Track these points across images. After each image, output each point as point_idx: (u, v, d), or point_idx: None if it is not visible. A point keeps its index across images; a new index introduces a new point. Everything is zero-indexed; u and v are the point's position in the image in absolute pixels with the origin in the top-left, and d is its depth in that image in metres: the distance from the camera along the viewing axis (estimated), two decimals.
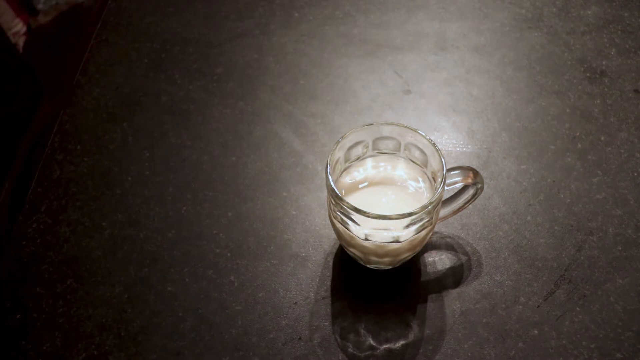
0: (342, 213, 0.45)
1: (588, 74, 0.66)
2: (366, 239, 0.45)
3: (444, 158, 0.45)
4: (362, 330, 0.48)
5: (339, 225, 0.46)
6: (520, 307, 0.49)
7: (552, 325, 0.48)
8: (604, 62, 0.67)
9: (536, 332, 0.48)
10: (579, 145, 0.60)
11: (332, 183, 0.44)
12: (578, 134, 0.60)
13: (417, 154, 0.48)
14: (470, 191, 0.48)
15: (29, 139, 0.87)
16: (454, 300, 0.49)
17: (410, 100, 0.64)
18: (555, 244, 0.53)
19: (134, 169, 0.59)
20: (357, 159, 0.50)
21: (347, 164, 0.49)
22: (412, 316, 0.49)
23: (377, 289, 0.51)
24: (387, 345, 0.47)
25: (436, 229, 0.53)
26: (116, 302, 0.50)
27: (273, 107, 0.64)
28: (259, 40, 0.71)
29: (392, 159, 0.50)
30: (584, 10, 0.73)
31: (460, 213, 0.52)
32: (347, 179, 0.49)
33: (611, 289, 0.50)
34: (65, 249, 0.54)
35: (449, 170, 0.46)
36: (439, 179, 0.45)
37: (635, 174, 0.57)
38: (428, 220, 0.45)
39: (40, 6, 1.35)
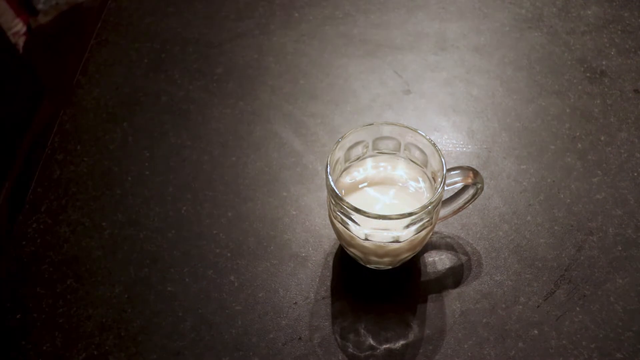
0: (342, 213, 0.45)
1: (588, 74, 0.66)
2: (366, 239, 0.45)
3: (444, 158, 0.45)
4: (362, 330, 0.48)
5: (339, 225, 0.46)
6: (520, 307, 0.49)
7: (552, 325, 0.48)
8: (604, 62, 0.67)
9: (536, 332, 0.48)
10: (579, 145, 0.60)
11: (332, 183, 0.44)
12: (578, 134, 0.60)
13: (417, 154, 0.48)
14: (470, 191, 0.48)
15: (29, 139, 0.87)
16: (454, 300, 0.49)
17: (410, 100, 0.64)
18: (555, 244, 0.53)
19: (134, 169, 0.59)
20: (357, 159, 0.50)
21: (347, 164, 0.49)
22: (412, 316, 0.49)
23: (377, 289, 0.51)
24: (387, 345, 0.47)
25: (436, 229, 0.53)
26: (116, 302, 0.50)
27: (273, 107, 0.64)
28: (259, 40, 0.71)
29: (392, 159, 0.50)
30: (584, 10, 0.73)
31: (460, 213, 0.52)
32: (347, 179, 0.49)
33: (611, 289, 0.50)
34: (65, 249, 0.54)
35: (449, 170, 0.46)
36: (439, 179, 0.45)
37: (635, 174, 0.57)
38: (428, 220, 0.45)
39: (40, 6, 1.35)
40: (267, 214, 0.55)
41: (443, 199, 0.48)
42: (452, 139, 0.61)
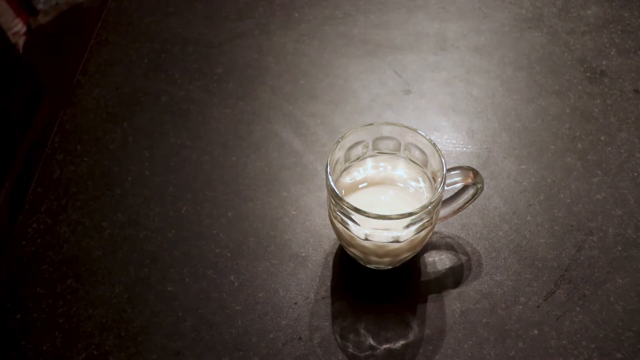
0: (342, 213, 0.45)
1: (588, 74, 0.66)
2: (366, 239, 0.45)
3: (444, 158, 0.45)
4: (362, 330, 0.48)
5: (339, 225, 0.46)
6: (520, 307, 0.49)
7: (552, 325, 0.48)
8: (604, 62, 0.67)
9: (536, 332, 0.48)
10: (579, 145, 0.60)
11: (332, 183, 0.44)
12: (578, 134, 0.60)
13: (417, 154, 0.48)
14: (470, 191, 0.48)
15: (29, 139, 0.87)
16: (454, 300, 0.49)
17: (410, 100, 0.64)
18: (555, 244, 0.53)
19: (134, 169, 0.59)
20: (357, 159, 0.50)
21: (347, 164, 0.49)
22: (412, 316, 0.49)
23: (377, 289, 0.51)
24: (387, 345, 0.47)
25: (436, 229, 0.53)
26: (116, 302, 0.50)
27: (273, 107, 0.64)
28: (259, 40, 0.71)
29: (392, 159, 0.50)
30: (584, 10, 0.73)
31: (460, 213, 0.52)
32: (347, 179, 0.49)
33: (611, 289, 0.50)
34: (65, 249, 0.54)
35: (449, 170, 0.46)
36: (439, 179, 0.45)
37: (635, 174, 0.57)
38: (428, 220, 0.45)
39: (40, 6, 1.35)
40: (267, 214, 0.55)
41: (443, 199, 0.48)
42: (452, 139, 0.61)
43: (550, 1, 0.74)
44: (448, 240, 0.53)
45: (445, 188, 0.45)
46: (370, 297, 0.50)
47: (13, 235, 0.55)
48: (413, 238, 0.45)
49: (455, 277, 0.51)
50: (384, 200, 0.48)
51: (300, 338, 0.48)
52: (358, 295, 0.50)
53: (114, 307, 0.50)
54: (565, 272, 0.51)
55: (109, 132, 0.63)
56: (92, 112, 0.65)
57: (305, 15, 0.73)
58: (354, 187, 0.49)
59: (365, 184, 0.49)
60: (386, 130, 0.48)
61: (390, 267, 0.50)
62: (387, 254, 0.47)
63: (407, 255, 0.48)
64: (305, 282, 0.51)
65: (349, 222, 0.45)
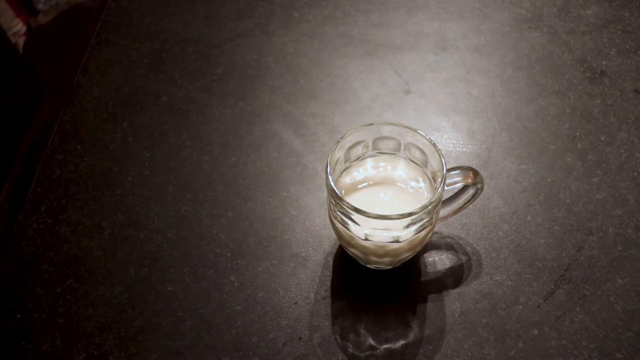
0: (342, 213, 0.45)
1: (588, 74, 0.66)
2: (366, 239, 0.45)
3: (444, 158, 0.45)
4: (362, 330, 0.48)
5: (339, 225, 0.46)
6: (520, 307, 0.49)
7: (552, 325, 0.48)
8: (604, 62, 0.67)
9: (536, 332, 0.48)
10: (579, 145, 0.60)
11: (332, 183, 0.44)
12: (578, 134, 0.60)
13: (417, 154, 0.48)
14: (470, 191, 0.48)
15: (29, 139, 0.87)
16: (454, 300, 0.49)
17: (410, 100, 0.64)
18: (555, 244, 0.53)
19: (134, 169, 0.59)
20: (357, 159, 0.50)
21: (347, 164, 0.49)
22: (412, 316, 0.49)
23: (377, 289, 0.51)
24: (387, 345, 0.47)
25: (436, 229, 0.53)
26: (116, 302, 0.50)
27: (273, 107, 0.64)
28: (259, 40, 0.71)
29: (392, 159, 0.50)
30: (584, 10, 0.73)
31: (460, 213, 0.52)
32: (347, 179, 0.49)
33: (611, 289, 0.50)
34: (65, 249, 0.54)
35: (449, 170, 0.46)
36: (439, 179, 0.45)
37: (635, 174, 0.57)
38: (428, 220, 0.45)
39: (40, 6, 1.35)
40: (267, 214, 0.55)
41: (443, 199, 0.48)
42: (452, 139, 0.61)
43: (550, 1, 0.74)
44: (448, 240, 0.53)
45: (445, 188, 0.45)
46: (370, 297, 0.50)
47: (13, 235, 0.55)
48: (413, 238, 0.45)
49: (455, 277, 0.51)
50: (384, 200, 0.48)
51: (300, 338, 0.48)
52: (358, 295, 0.50)
53: (114, 307, 0.50)
54: (565, 272, 0.51)
55: (109, 132, 0.63)
56: (92, 112, 0.65)
57: (305, 15, 0.73)
58: (354, 187, 0.49)
59: (365, 184, 0.49)
60: (386, 130, 0.48)
61: (390, 267, 0.50)
62: (387, 254, 0.47)
63: (407, 255, 0.48)
64: (305, 282, 0.51)
65: (349, 222, 0.45)
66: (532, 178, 0.57)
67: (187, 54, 0.70)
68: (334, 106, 0.64)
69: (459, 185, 0.47)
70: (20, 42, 1.21)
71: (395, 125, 0.48)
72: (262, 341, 0.48)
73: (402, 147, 0.49)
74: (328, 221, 0.54)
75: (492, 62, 0.68)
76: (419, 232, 0.45)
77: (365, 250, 0.47)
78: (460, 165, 0.50)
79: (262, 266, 0.52)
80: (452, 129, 0.61)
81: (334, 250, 0.53)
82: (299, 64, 0.68)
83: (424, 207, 0.43)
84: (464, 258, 0.52)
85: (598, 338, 0.47)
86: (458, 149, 0.60)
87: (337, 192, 0.44)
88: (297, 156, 0.60)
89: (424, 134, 0.47)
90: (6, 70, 0.94)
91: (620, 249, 0.52)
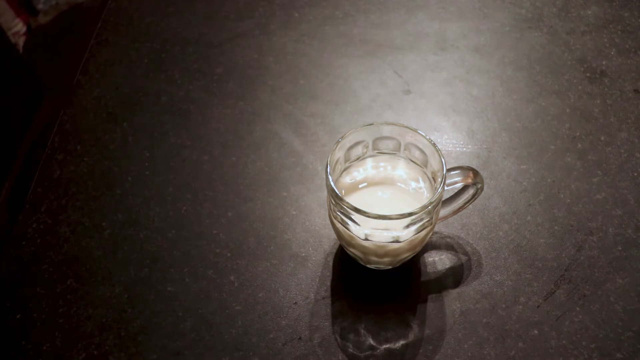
0: (342, 213, 0.45)
1: (588, 74, 0.66)
2: (366, 239, 0.45)
3: (444, 158, 0.45)
4: (362, 330, 0.48)
5: (339, 225, 0.46)
6: (520, 307, 0.49)
7: (552, 325, 0.48)
8: (604, 62, 0.67)
9: (536, 332, 0.48)
10: (579, 145, 0.60)
11: (332, 183, 0.44)
12: (578, 134, 0.60)
13: (417, 154, 0.48)
14: (470, 191, 0.48)
15: (29, 139, 0.87)
16: (454, 300, 0.49)
17: (410, 100, 0.64)
18: (555, 244, 0.53)
19: (134, 169, 0.59)
20: (357, 159, 0.50)
21: (347, 164, 0.49)
22: (412, 316, 0.49)
23: (377, 289, 0.51)
24: (387, 345, 0.47)
25: (436, 229, 0.53)
26: (116, 302, 0.50)
27: (273, 107, 0.64)
28: (259, 40, 0.71)
29: (392, 159, 0.50)
30: (584, 10, 0.73)
31: (460, 213, 0.52)
32: (347, 179, 0.49)
33: (611, 289, 0.50)
34: (65, 249, 0.54)
35: (449, 170, 0.46)
36: (439, 179, 0.45)
37: (635, 174, 0.57)
38: (428, 220, 0.45)
39: (40, 6, 1.35)
40: (267, 214, 0.55)
41: (443, 199, 0.48)
42: (452, 139, 0.61)
43: (550, 1, 0.74)
44: (448, 240, 0.53)
45: (445, 188, 0.45)
46: (370, 297, 0.50)
47: (13, 235, 0.55)
48: (413, 238, 0.45)
49: (455, 277, 0.51)
50: (384, 200, 0.48)
51: (300, 338, 0.48)
52: (358, 295, 0.50)
53: (114, 307, 0.50)
54: (565, 272, 0.51)
55: (109, 132, 0.63)
56: (92, 112, 0.65)
57: (305, 15, 0.73)
58: (354, 187, 0.49)
59: (365, 184, 0.49)
60: (386, 130, 0.48)
61: (390, 267, 0.50)
62: (387, 254, 0.47)
63: (407, 255, 0.48)
64: (305, 282, 0.51)
65: (349, 222, 0.45)
66: (532, 178, 0.57)
67: (187, 54, 0.70)
68: (334, 106, 0.64)
69: (459, 185, 0.47)
70: (20, 42, 1.21)
71: (395, 125, 0.48)
72: (262, 341, 0.48)
73: (402, 147, 0.49)
74: (328, 221, 0.54)
75: (492, 62, 0.68)
76: (419, 232, 0.45)
77: (365, 250, 0.47)
78: (460, 165, 0.50)
79: (262, 266, 0.52)
80: (452, 129, 0.61)
81: (334, 250, 0.53)
82: (299, 64, 0.68)
83: (424, 207, 0.43)
84: (464, 258, 0.52)
85: (598, 338, 0.47)
86: (458, 149, 0.60)
87: (337, 192, 0.44)
88: (297, 156, 0.60)
89: (424, 134, 0.47)
90: (6, 70, 0.94)
91: (620, 249, 0.52)
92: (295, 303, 0.50)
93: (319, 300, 0.50)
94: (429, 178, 0.49)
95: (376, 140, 0.49)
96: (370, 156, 0.50)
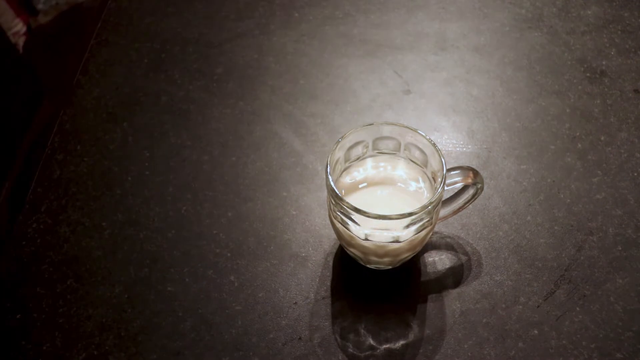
0: (342, 213, 0.45)
1: (588, 74, 0.66)
2: (366, 239, 0.45)
3: (444, 158, 0.45)
4: (362, 330, 0.48)
5: (339, 225, 0.46)
6: (520, 307, 0.49)
7: (552, 325, 0.48)
8: (604, 62, 0.67)
9: (536, 332, 0.48)
10: (579, 145, 0.60)
11: (332, 183, 0.44)
12: (578, 134, 0.60)
13: (417, 154, 0.48)
14: (470, 191, 0.48)
15: (29, 139, 0.87)
16: (454, 300, 0.49)
17: (410, 100, 0.64)
18: (555, 244, 0.53)
19: (134, 169, 0.59)
20: (357, 159, 0.50)
21: (347, 164, 0.49)
22: (412, 316, 0.49)
23: (377, 289, 0.51)
24: (387, 345, 0.47)
25: (436, 229, 0.53)
26: (116, 302, 0.50)
27: (273, 107, 0.64)
28: (259, 40, 0.71)
29: (392, 159, 0.50)
30: (584, 10, 0.73)
31: (460, 213, 0.52)
32: (347, 179, 0.49)
33: (611, 289, 0.50)
34: (65, 249, 0.54)
35: (449, 170, 0.46)
36: (439, 179, 0.45)
37: (635, 174, 0.57)
38: (428, 220, 0.45)
39: (40, 6, 1.35)
40: (267, 214, 0.55)
41: (443, 199, 0.48)
42: (452, 139, 0.61)
43: (550, 1, 0.74)
44: (448, 240, 0.53)
45: (445, 188, 0.45)
46: (370, 297, 0.50)
47: (13, 235, 0.55)
48: (413, 238, 0.45)
49: (455, 277, 0.51)
50: (384, 200, 0.48)
51: (300, 338, 0.48)
52: (358, 295, 0.50)
53: (114, 307, 0.50)
54: (565, 272, 0.51)
55: (109, 132, 0.63)
56: (92, 112, 0.65)
57: (305, 15, 0.73)
58: (354, 187, 0.49)
59: (365, 184, 0.49)
60: (386, 130, 0.48)
61: (390, 267, 0.50)
62: (387, 254, 0.47)
63: (407, 255, 0.48)
64: (305, 282, 0.51)
65: (349, 222, 0.45)
66: (532, 178, 0.57)
67: (187, 54, 0.70)
68: (334, 106, 0.64)
69: (459, 185, 0.47)
70: (20, 42, 1.21)
71: (395, 125, 0.48)
72: (262, 341, 0.48)
73: (402, 147, 0.49)
74: (328, 221, 0.54)
75: (492, 62, 0.68)
76: (419, 232, 0.45)
77: (365, 250, 0.47)
78: (460, 165, 0.50)
79: (262, 266, 0.52)
80: (452, 129, 0.61)
81: (334, 250, 0.53)
82: (299, 64, 0.68)
83: (424, 207, 0.43)
84: (464, 258, 0.52)
85: (598, 338, 0.47)
86: (458, 149, 0.60)
87: (337, 192, 0.44)
88: (297, 156, 0.60)
89: (424, 134, 0.47)
90: (6, 70, 0.94)
91: (620, 249, 0.52)
92: (295, 303, 0.50)
93: (319, 300, 0.50)
94: (429, 178, 0.49)
95: (376, 140, 0.49)
96: (370, 156, 0.50)
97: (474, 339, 0.47)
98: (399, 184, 0.49)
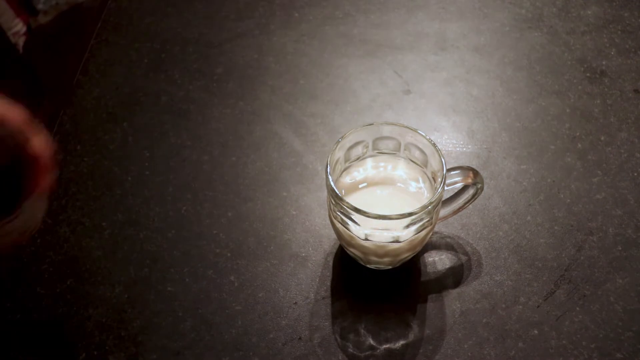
0: (342, 213, 0.45)
1: (588, 74, 0.66)
2: (366, 239, 0.45)
3: (444, 158, 0.45)
4: (362, 330, 0.48)
5: (339, 225, 0.46)
6: (520, 307, 0.49)
7: (552, 325, 0.48)
8: (604, 62, 0.67)
9: (536, 332, 0.48)
10: (579, 145, 0.60)
11: (332, 183, 0.44)
12: (578, 134, 0.60)
13: (417, 154, 0.48)
14: (470, 191, 0.48)
15: None
16: (454, 300, 0.49)
17: (410, 100, 0.64)
18: (555, 244, 0.53)
19: (134, 169, 0.59)
20: (357, 159, 0.50)
21: (347, 164, 0.49)
22: (412, 316, 0.49)
23: (377, 289, 0.51)
24: (387, 345, 0.47)
25: (436, 229, 0.53)
26: (116, 302, 0.50)
27: (273, 107, 0.64)
28: (259, 40, 0.71)
29: (392, 159, 0.50)
30: (584, 10, 0.73)
31: (460, 213, 0.52)
32: (347, 179, 0.49)
33: (611, 289, 0.50)
34: (65, 249, 0.54)
35: (449, 170, 0.46)
36: (439, 179, 0.45)
37: (635, 174, 0.57)
38: (428, 220, 0.45)
39: (40, 6, 1.35)
40: (267, 214, 0.55)
41: (443, 199, 0.48)
42: (452, 139, 0.61)
43: (550, 1, 0.74)
44: (448, 240, 0.53)
45: (445, 188, 0.45)
46: (370, 297, 0.50)
47: None
48: (413, 238, 0.45)
49: (455, 277, 0.51)
50: (384, 200, 0.48)
51: (300, 338, 0.48)
52: (358, 295, 0.50)
53: (114, 307, 0.50)
54: (565, 272, 0.51)
55: (109, 132, 0.63)
56: (92, 112, 0.65)
57: (305, 15, 0.73)
58: (354, 187, 0.49)
59: (365, 184, 0.49)
60: (386, 130, 0.48)
61: (390, 267, 0.50)
62: (387, 254, 0.47)
63: (407, 255, 0.48)
64: (305, 282, 0.51)
65: (349, 222, 0.45)
66: (532, 178, 0.57)
67: (187, 54, 0.70)
68: (334, 106, 0.64)
69: (459, 185, 0.47)
70: (20, 42, 1.21)
71: (395, 125, 0.48)
72: (262, 341, 0.48)
73: (402, 147, 0.49)
74: (328, 221, 0.54)
75: (492, 62, 0.68)
76: (419, 232, 0.45)
77: (365, 250, 0.47)
78: (460, 165, 0.50)
79: (262, 266, 0.52)
80: (452, 129, 0.61)
81: (334, 250, 0.53)
82: (299, 64, 0.68)
83: (424, 207, 0.43)
84: (464, 258, 0.52)
85: (598, 338, 0.47)
86: (458, 149, 0.60)
87: (337, 192, 0.44)
88: (297, 156, 0.60)
89: (424, 134, 0.47)
90: (6, 70, 0.94)
91: (620, 249, 0.52)
92: (295, 303, 0.50)
93: (319, 300, 0.50)
94: (429, 178, 0.49)
95: (376, 140, 0.49)
96: (370, 156, 0.50)
97: (474, 339, 0.47)
98: (399, 184, 0.49)
